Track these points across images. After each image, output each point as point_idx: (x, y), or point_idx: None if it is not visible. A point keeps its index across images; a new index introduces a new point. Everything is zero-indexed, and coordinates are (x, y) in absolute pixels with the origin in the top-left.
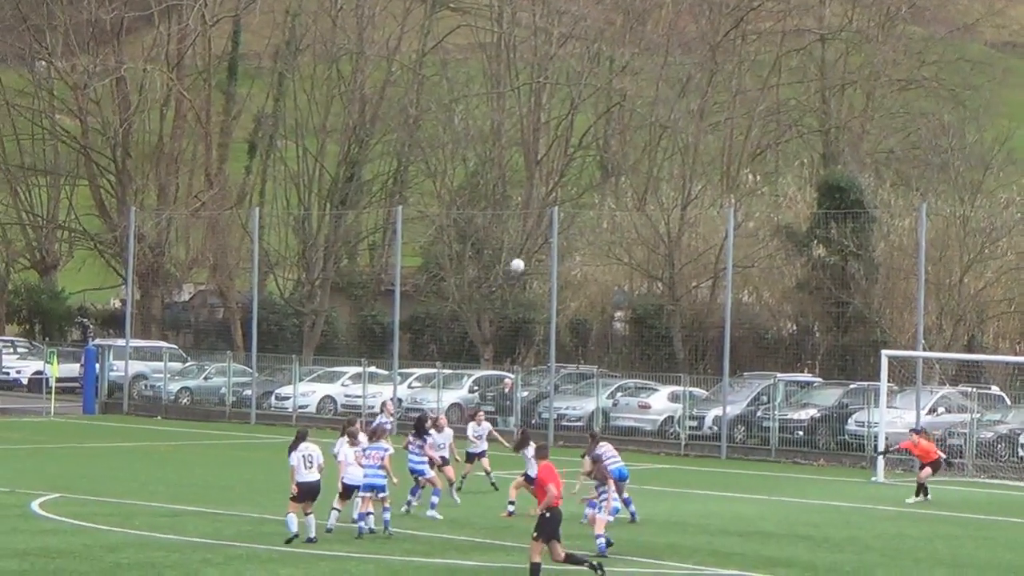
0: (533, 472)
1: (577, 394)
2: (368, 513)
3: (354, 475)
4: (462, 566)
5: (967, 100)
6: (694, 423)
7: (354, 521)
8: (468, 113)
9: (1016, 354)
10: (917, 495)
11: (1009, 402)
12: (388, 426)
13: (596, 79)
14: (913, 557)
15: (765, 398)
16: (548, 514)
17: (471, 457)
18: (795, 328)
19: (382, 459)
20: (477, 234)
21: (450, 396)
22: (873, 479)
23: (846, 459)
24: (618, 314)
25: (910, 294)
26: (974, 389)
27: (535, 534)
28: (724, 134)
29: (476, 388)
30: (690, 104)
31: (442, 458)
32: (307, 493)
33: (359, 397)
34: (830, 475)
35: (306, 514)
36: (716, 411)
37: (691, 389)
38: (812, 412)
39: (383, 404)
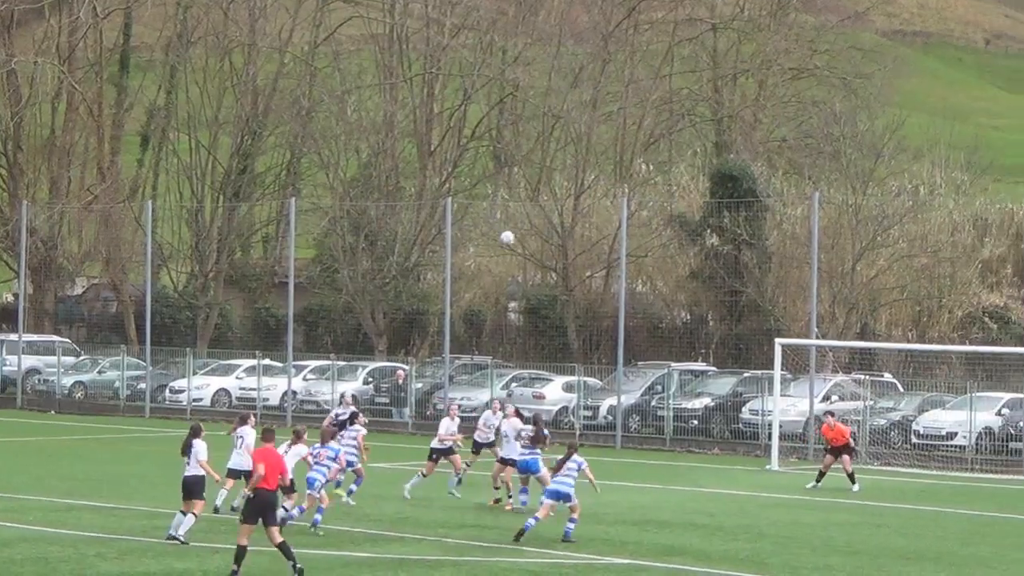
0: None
1: (471, 385)
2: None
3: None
4: (356, 557)
5: (859, 88)
6: (589, 413)
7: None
8: (361, 104)
9: (908, 341)
10: (818, 481)
11: (902, 389)
12: (345, 418)
13: (489, 69)
14: (808, 544)
15: (659, 387)
16: (252, 495)
17: (477, 447)
18: (689, 317)
19: (335, 458)
20: (370, 225)
21: (345, 388)
22: (768, 467)
23: (740, 447)
24: (512, 305)
25: (803, 282)
26: (867, 377)
27: (241, 517)
28: (617, 124)
29: (371, 380)
30: (583, 94)
31: (443, 450)
32: (183, 488)
33: (254, 390)
34: (724, 464)
35: (182, 512)
36: (611, 401)
37: (585, 379)
38: (706, 401)
39: (342, 396)
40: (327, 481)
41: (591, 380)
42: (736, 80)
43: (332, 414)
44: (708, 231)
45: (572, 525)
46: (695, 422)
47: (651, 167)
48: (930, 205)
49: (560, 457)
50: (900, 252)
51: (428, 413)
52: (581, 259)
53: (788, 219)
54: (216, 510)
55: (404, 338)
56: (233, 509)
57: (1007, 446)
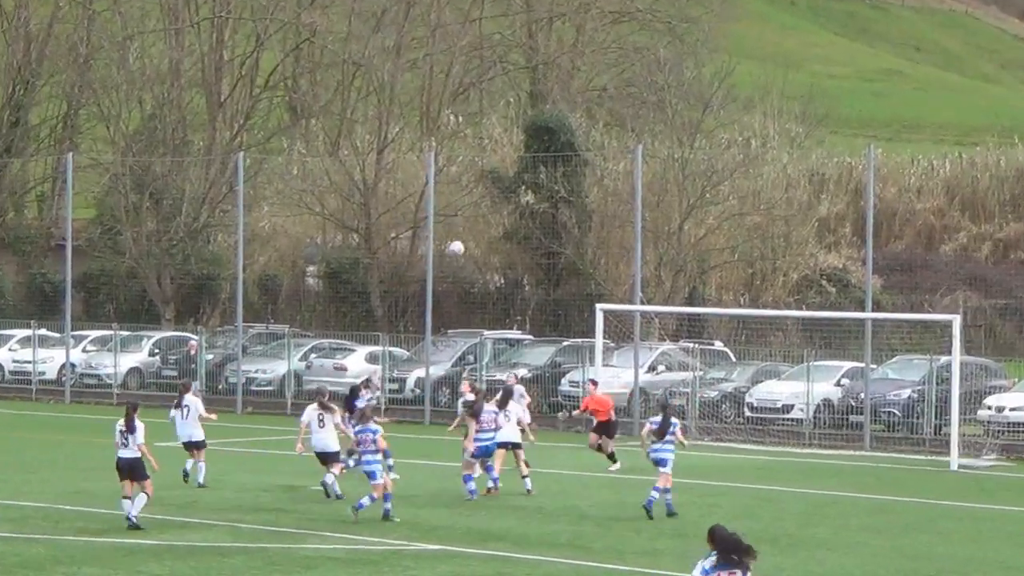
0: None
1: (267, 356)
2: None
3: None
4: (142, 545)
5: (684, 34)
6: (395, 386)
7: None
8: (144, 51)
9: (740, 306)
10: (614, 462)
11: (734, 358)
12: (375, 403)
13: (283, 14)
14: (633, 527)
15: (471, 358)
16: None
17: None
18: (503, 281)
19: (374, 442)
20: (156, 183)
21: (129, 360)
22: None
23: (559, 423)
24: (310, 268)
25: (626, 243)
26: (696, 345)
27: None
28: (423, 72)
29: (157, 351)
30: (385, 40)
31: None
32: (124, 470)
33: (28, 363)
34: (542, 440)
35: (124, 496)
36: (418, 373)
37: (391, 349)
38: (522, 372)
39: (367, 380)
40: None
41: (397, 350)
42: (552, 24)
43: (367, 397)
44: (523, 188)
45: (669, 496)
46: None
47: (460, 119)
48: (762, 159)
49: (654, 419)
50: (731, 210)
51: (220, 387)
52: (385, 219)
53: (609, 175)
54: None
55: (193, 305)
56: (200, 486)
57: (847, 419)
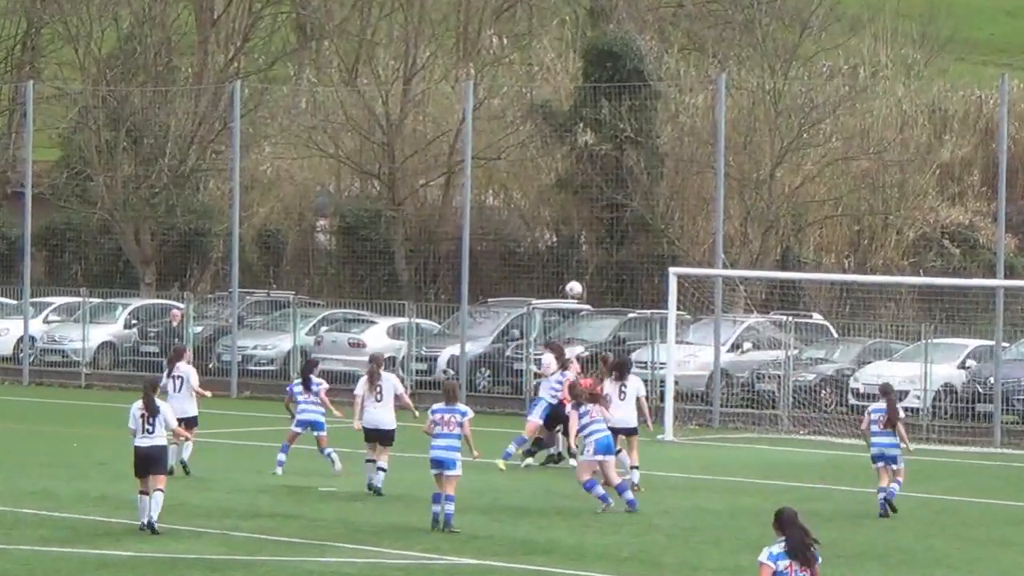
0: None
1: (268, 329)
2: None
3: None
4: (115, 557)
5: None
6: (423, 366)
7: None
8: None
9: (843, 271)
10: (531, 456)
11: (836, 334)
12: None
13: None
14: (711, 537)
15: (516, 332)
16: None
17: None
18: (555, 240)
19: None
20: (134, 118)
21: (100, 333)
22: (660, 437)
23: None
24: (321, 223)
25: (706, 194)
26: (790, 318)
27: None
28: None
29: (135, 322)
30: None
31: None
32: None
33: None
34: None
35: (142, 492)
36: (452, 350)
37: (418, 321)
38: (579, 350)
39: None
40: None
41: (426, 323)
42: None
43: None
44: (580, 125)
45: (895, 488)
46: None
47: (505, 41)
48: (872, 92)
49: (876, 408)
50: (833, 153)
51: (210, 366)
52: (413, 162)
53: (686, 110)
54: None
55: (179, 267)
56: (183, 464)
57: (973, 409)
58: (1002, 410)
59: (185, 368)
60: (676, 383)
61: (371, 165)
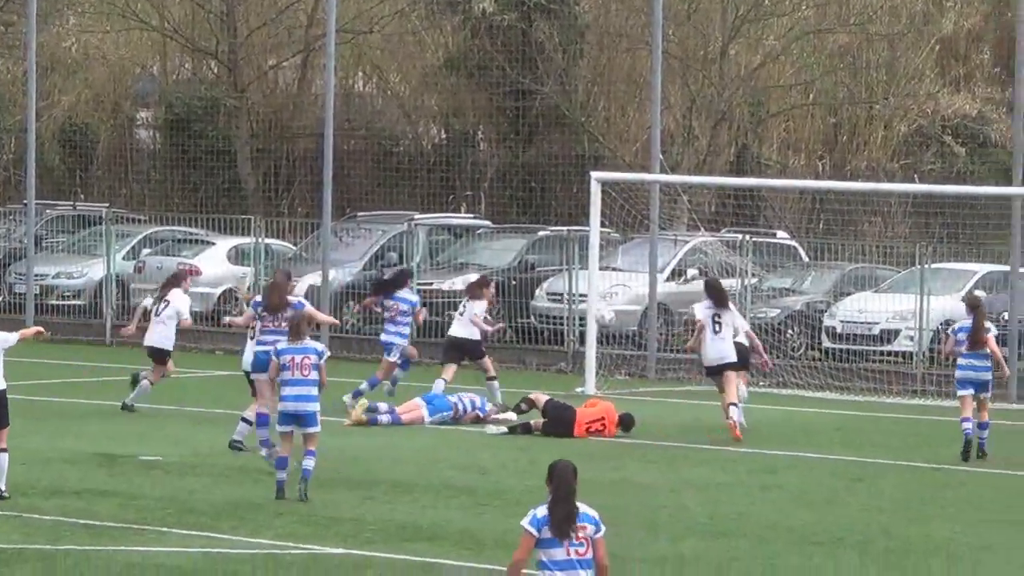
0: None
1: (75, 252)
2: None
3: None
4: None
5: None
6: None
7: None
8: None
9: (816, 177)
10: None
11: (806, 258)
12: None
13: None
14: (646, 520)
15: (395, 256)
16: None
17: None
18: (445, 136)
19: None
20: None
21: None
22: (580, 389)
23: (533, 356)
24: (143, 115)
25: (639, 77)
26: (748, 237)
27: None
28: None
29: None
30: None
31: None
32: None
33: None
34: (507, 383)
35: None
36: (312, 278)
37: (269, 241)
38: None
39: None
40: None
41: (278, 244)
42: None
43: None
44: None
45: (985, 433)
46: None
47: None
48: None
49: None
50: (804, 25)
51: (1, 299)
52: (260, 37)
53: None
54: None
55: None
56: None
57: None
58: (1019, 355)
59: (176, 295)
60: (603, 321)
61: (206, 40)
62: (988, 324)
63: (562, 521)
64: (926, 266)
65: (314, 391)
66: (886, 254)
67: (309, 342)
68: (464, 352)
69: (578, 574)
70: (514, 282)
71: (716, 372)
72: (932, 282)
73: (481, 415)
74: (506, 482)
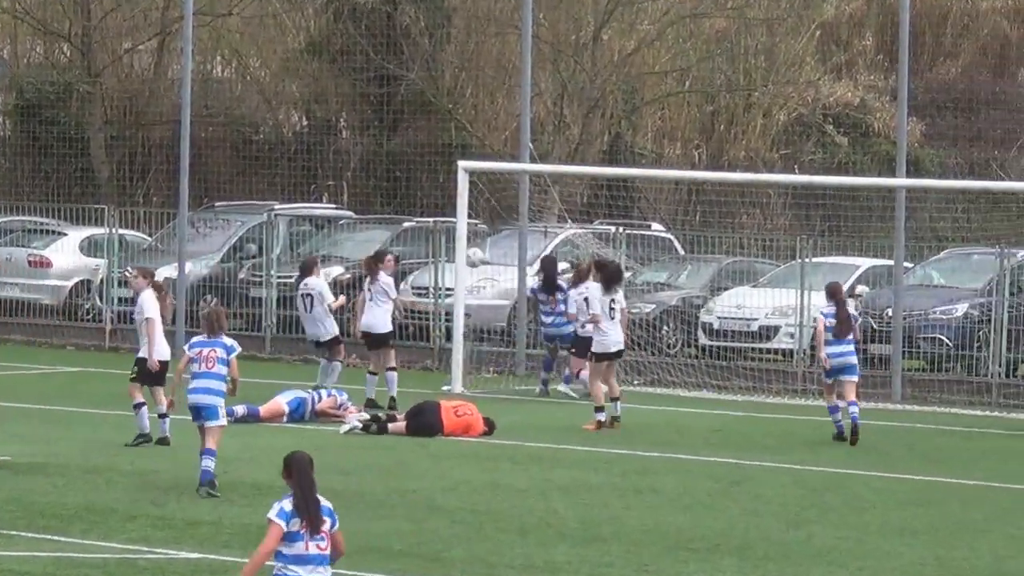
0: None
1: None
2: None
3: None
4: None
5: None
6: (130, 292)
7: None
8: None
9: (693, 166)
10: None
11: (682, 251)
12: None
13: None
14: (515, 524)
15: (254, 247)
16: None
17: None
18: (306, 124)
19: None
20: None
21: None
22: (445, 387)
23: (399, 352)
24: None
25: (508, 63)
26: (621, 229)
27: None
28: None
29: None
30: None
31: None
32: None
33: None
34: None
35: None
36: (168, 270)
37: (123, 232)
38: (337, 271)
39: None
40: None
41: (132, 234)
42: None
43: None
44: None
45: (856, 409)
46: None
47: None
48: None
49: (827, 310)
50: (679, 10)
51: None
52: (115, 21)
53: None
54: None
55: None
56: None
57: (866, 351)
58: (904, 353)
59: (315, 283)
60: (468, 316)
61: (59, 23)
62: (850, 311)
63: (314, 516)
64: (807, 260)
65: (217, 385)
66: (765, 247)
67: (222, 337)
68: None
69: (317, 570)
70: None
71: (613, 357)
72: (813, 276)
73: (339, 401)
74: (369, 483)
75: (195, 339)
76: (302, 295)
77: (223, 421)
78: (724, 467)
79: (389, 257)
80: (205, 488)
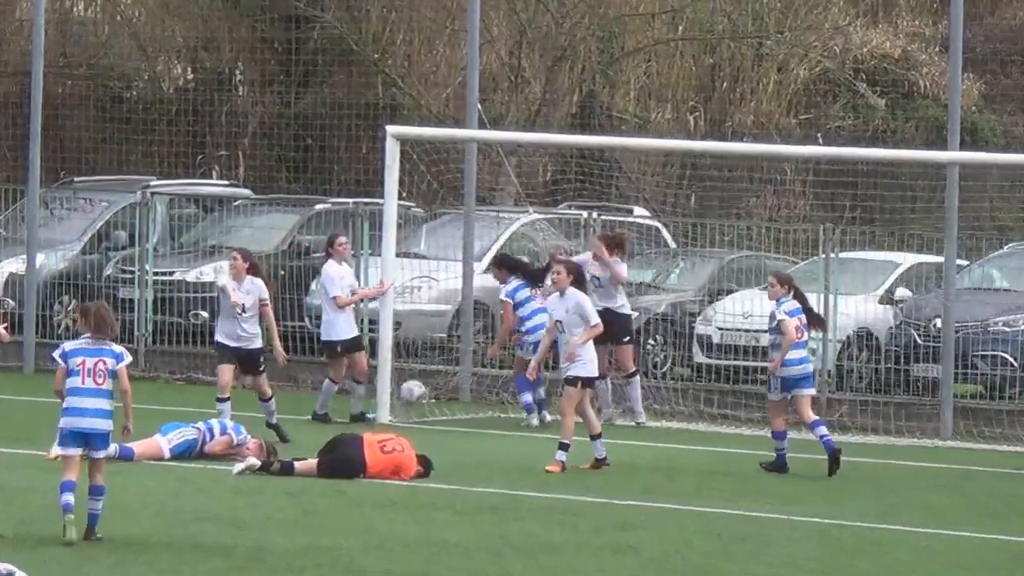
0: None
1: None
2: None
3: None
4: None
5: None
6: None
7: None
8: None
9: (688, 134)
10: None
11: (672, 242)
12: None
13: None
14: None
15: (124, 235)
16: None
17: None
18: (193, 77)
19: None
20: None
21: None
22: (370, 415)
23: (305, 371)
24: None
25: (451, 2)
26: (595, 214)
27: None
28: None
29: None
30: None
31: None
32: None
33: None
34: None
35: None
36: (13, 265)
37: None
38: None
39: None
40: None
41: None
42: None
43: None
44: None
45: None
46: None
47: None
48: None
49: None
50: None
51: None
52: None
53: None
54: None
55: None
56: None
57: (907, 373)
58: (956, 376)
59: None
60: (398, 325)
61: None
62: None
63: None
64: (832, 255)
65: (109, 405)
66: (779, 239)
67: (108, 343)
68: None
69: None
70: (283, 272)
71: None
72: (841, 277)
73: (236, 441)
74: (271, 539)
75: (71, 345)
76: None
77: (112, 450)
78: (724, 520)
79: (342, 240)
80: (92, 534)
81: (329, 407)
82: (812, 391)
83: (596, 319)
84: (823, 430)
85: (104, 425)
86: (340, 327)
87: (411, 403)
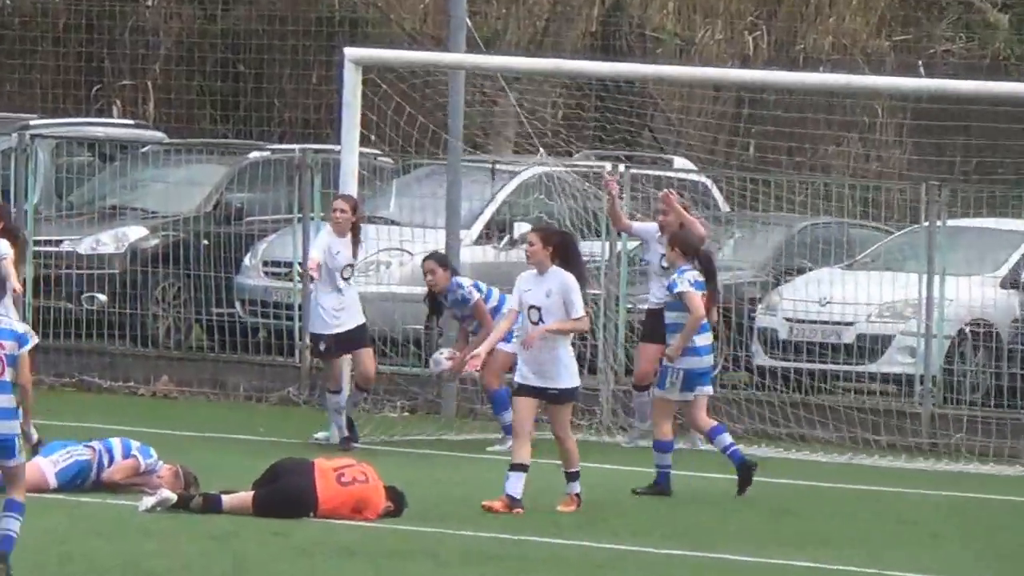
0: None
1: None
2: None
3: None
4: None
5: None
6: None
7: None
8: None
9: (744, 61)
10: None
11: (725, 206)
12: None
13: None
14: None
15: None
16: None
17: None
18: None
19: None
20: None
21: None
22: (316, 436)
23: (235, 374)
24: None
25: None
26: (623, 167)
27: None
28: None
29: None
30: None
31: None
32: None
33: None
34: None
35: None
36: None
37: None
38: (139, 234)
39: None
40: None
41: None
42: None
43: None
44: None
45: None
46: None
47: None
48: None
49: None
50: None
51: None
52: None
53: None
54: None
55: None
56: None
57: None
58: None
59: None
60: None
61: None
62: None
63: None
64: (938, 223)
65: (10, 402)
66: (867, 202)
67: (4, 320)
68: None
69: None
70: (205, 242)
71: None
72: (950, 253)
73: (143, 466)
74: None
75: None
76: None
77: (22, 458)
78: (797, 572)
79: (336, 203)
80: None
81: (344, 424)
82: (710, 389)
83: (581, 312)
84: (726, 439)
85: (10, 428)
86: (322, 317)
87: (440, 376)
